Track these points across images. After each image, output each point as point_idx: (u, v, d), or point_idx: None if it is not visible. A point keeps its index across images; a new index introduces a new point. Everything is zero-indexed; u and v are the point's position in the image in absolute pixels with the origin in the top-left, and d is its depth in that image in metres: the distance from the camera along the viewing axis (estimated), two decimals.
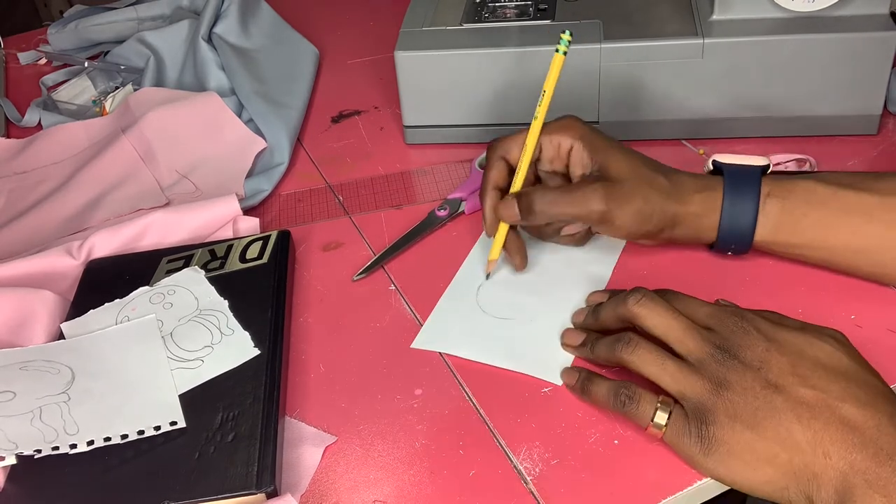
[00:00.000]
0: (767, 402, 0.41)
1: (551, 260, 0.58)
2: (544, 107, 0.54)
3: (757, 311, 0.46)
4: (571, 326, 0.52)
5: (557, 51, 0.53)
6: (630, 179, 0.51)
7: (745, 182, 0.52)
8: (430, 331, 0.53)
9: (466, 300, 0.55)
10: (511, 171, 0.55)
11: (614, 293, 0.51)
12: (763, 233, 0.52)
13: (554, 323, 0.53)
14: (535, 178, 0.57)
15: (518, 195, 0.53)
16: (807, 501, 0.40)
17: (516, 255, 0.56)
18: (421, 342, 0.53)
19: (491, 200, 0.55)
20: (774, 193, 0.52)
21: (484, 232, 0.57)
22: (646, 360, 0.45)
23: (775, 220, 0.52)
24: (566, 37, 0.53)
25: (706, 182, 0.53)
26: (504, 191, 0.55)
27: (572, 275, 0.56)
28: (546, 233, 0.57)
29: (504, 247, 0.56)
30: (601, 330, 0.50)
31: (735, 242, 0.53)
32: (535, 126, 0.54)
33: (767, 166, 0.53)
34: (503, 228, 0.55)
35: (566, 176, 0.56)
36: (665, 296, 0.47)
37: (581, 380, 0.47)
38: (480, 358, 0.51)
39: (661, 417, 0.44)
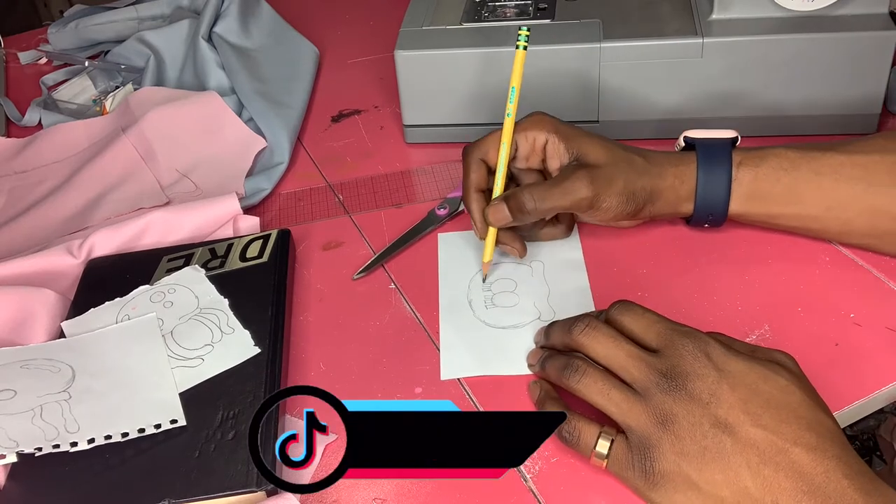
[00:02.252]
0: (716, 443, 0.40)
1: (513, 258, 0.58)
2: (515, 104, 0.54)
3: (709, 333, 0.44)
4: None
5: (517, 47, 0.54)
6: (609, 163, 0.53)
7: (717, 153, 0.53)
8: (447, 361, 0.52)
9: (465, 319, 0.54)
10: (490, 172, 0.56)
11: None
12: (738, 201, 0.53)
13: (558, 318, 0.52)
14: (509, 177, 0.57)
15: (506, 197, 0.53)
16: None
17: (515, 243, 0.56)
18: (445, 374, 0.51)
19: (478, 204, 0.55)
20: (746, 162, 0.53)
21: (441, 248, 0.58)
22: (591, 390, 0.44)
23: (748, 187, 0.53)
24: (524, 32, 0.53)
25: (680, 157, 0.54)
26: (486, 192, 0.56)
27: (548, 263, 0.57)
28: (528, 230, 0.58)
29: (498, 242, 0.56)
30: (554, 348, 0.49)
31: (711, 213, 0.54)
32: (509, 124, 0.54)
33: (736, 138, 0.54)
34: (492, 231, 0.55)
35: (541, 172, 0.57)
36: (619, 309, 0.46)
37: (539, 399, 0.47)
38: (503, 372, 0.50)
39: (602, 446, 0.43)
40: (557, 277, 0.56)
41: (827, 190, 0.52)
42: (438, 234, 0.62)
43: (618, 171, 0.52)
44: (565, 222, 0.58)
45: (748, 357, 0.42)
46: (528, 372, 0.50)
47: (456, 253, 0.60)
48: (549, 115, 0.56)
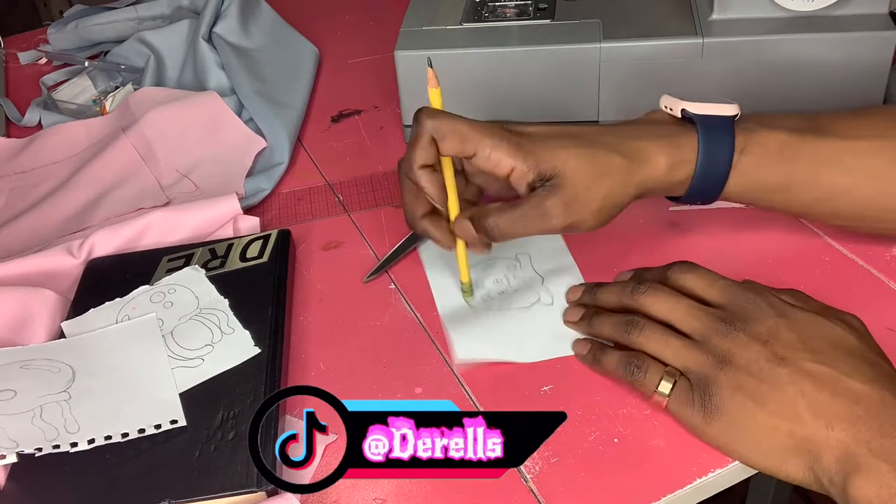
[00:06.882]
0: (772, 374, 0.41)
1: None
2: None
3: (779, 289, 0.47)
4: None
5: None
6: (584, 180, 0.48)
7: (720, 135, 0.49)
8: (460, 340, 0.51)
9: (469, 310, 0.55)
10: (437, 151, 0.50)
11: (593, 286, 0.52)
12: (733, 186, 0.51)
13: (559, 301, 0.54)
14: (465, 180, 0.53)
15: (471, 218, 0.50)
16: (807, 472, 0.40)
17: (478, 245, 0.51)
18: (461, 353, 0.51)
19: (434, 222, 0.52)
20: (749, 150, 0.50)
21: (425, 262, 0.59)
22: (650, 339, 0.46)
23: (746, 175, 0.50)
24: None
25: (671, 141, 0.50)
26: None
27: (534, 254, 0.58)
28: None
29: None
30: (598, 307, 0.51)
31: (703, 196, 0.52)
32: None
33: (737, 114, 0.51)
34: (462, 246, 0.52)
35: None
36: (680, 268, 0.48)
37: (592, 350, 0.49)
38: (519, 359, 0.51)
39: (665, 387, 0.45)
40: (544, 262, 0.57)
41: (824, 181, 0.51)
42: (419, 249, 0.60)
43: (595, 187, 0.48)
44: None
45: (811, 310, 0.44)
46: (541, 359, 0.50)
47: (443, 262, 0.59)
48: (504, 124, 0.51)
